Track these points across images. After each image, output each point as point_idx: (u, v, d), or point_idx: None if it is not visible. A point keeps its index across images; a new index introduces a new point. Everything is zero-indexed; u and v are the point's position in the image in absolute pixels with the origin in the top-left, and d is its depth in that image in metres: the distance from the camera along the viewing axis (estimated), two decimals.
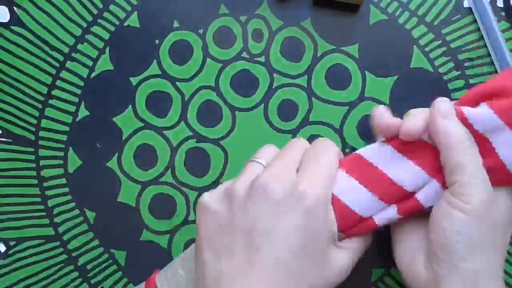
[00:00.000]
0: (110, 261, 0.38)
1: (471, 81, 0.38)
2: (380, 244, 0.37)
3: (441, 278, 0.27)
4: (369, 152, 0.30)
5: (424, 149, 0.29)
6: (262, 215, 0.27)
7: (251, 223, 0.27)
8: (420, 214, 0.30)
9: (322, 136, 0.38)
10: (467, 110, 0.28)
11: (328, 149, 0.30)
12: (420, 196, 0.29)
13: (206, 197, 0.29)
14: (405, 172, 0.29)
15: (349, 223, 0.29)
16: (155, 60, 0.39)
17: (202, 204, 0.29)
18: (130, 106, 0.38)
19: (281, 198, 0.27)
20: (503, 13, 0.38)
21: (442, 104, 0.28)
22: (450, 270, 0.26)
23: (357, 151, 0.31)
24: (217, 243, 0.27)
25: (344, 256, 0.29)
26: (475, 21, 0.38)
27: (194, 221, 0.38)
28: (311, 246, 0.27)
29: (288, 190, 0.27)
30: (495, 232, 0.27)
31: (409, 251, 0.30)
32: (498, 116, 0.28)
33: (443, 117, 0.28)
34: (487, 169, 0.28)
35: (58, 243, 0.38)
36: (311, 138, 0.38)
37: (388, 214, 0.30)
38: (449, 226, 0.26)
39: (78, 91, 0.39)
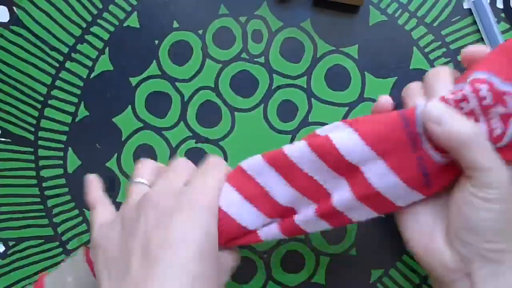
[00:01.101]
0: None
1: None
2: (379, 245, 0.37)
3: (465, 257, 0.27)
4: (250, 165, 0.30)
5: (301, 174, 0.29)
6: (155, 227, 0.27)
7: (147, 237, 0.26)
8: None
9: None
10: (338, 143, 0.28)
11: (215, 165, 0.30)
12: (300, 219, 0.29)
13: (96, 233, 0.29)
14: (282, 190, 0.29)
15: (233, 235, 0.29)
16: (154, 61, 0.39)
17: (93, 240, 0.29)
18: (130, 106, 0.38)
19: (171, 206, 0.27)
20: (502, 15, 0.38)
21: (432, 110, 0.27)
22: (475, 252, 0.26)
23: (240, 163, 0.30)
24: (115, 269, 0.27)
25: (232, 256, 0.29)
26: (474, 22, 0.38)
27: None
28: (208, 248, 0.27)
29: (177, 198, 0.27)
30: None
31: (425, 231, 0.29)
32: (371, 148, 0.27)
33: (438, 124, 0.26)
34: (362, 198, 0.28)
35: (57, 243, 0.38)
36: None
37: (271, 231, 0.29)
38: (473, 214, 0.26)
39: (78, 92, 0.39)
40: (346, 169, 0.28)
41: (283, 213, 0.29)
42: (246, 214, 0.29)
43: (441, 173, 0.27)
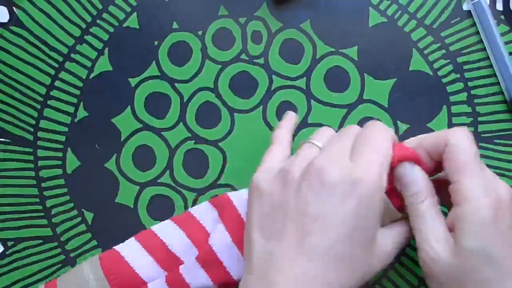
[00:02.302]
0: None
1: (470, 84, 0.38)
2: None
3: None
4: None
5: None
6: (315, 199, 0.26)
7: (304, 206, 0.26)
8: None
9: None
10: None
11: (379, 132, 0.29)
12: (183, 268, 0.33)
13: (260, 176, 0.29)
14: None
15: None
16: (154, 61, 0.39)
17: (255, 183, 0.29)
18: (129, 107, 0.38)
19: (336, 183, 0.26)
20: (502, 17, 0.38)
21: (404, 173, 0.29)
22: None
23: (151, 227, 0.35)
24: (268, 224, 0.27)
25: (389, 240, 0.29)
26: (474, 24, 0.38)
27: None
28: (362, 232, 0.26)
29: (344, 175, 0.26)
30: None
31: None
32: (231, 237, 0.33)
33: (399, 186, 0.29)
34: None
35: (56, 243, 0.38)
36: None
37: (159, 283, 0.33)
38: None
39: (77, 92, 0.39)
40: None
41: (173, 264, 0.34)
42: (145, 266, 0.33)
43: None
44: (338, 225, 0.26)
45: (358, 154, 0.28)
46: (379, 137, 0.29)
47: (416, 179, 0.28)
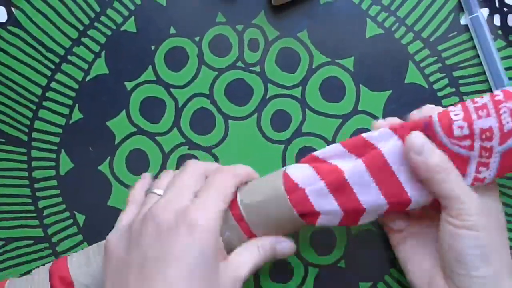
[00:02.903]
0: None
1: (465, 98, 0.38)
2: (368, 258, 0.37)
3: None
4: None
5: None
6: (152, 244, 0.27)
7: (144, 253, 0.27)
8: (425, 232, 0.32)
9: (315, 148, 0.38)
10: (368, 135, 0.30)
11: (223, 177, 0.30)
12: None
13: (109, 237, 0.30)
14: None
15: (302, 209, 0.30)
16: (150, 66, 0.39)
17: (105, 244, 0.30)
18: (124, 110, 0.39)
19: (171, 226, 0.27)
20: (499, 32, 0.38)
21: (414, 140, 0.29)
22: (470, 281, 0.28)
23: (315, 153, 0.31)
24: (116, 281, 0.28)
25: (239, 265, 0.29)
26: (471, 38, 0.38)
27: None
28: (202, 268, 0.27)
29: (178, 218, 0.27)
30: (498, 233, 0.29)
31: (426, 270, 0.31)
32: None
33: (417, 154, 0.28)
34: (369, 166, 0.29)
35: (47, 244, 0.38)
36: (303, 150, 0.38)
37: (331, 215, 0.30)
38: (459, 244, 0.28)
39: (73, 94, 0.39)
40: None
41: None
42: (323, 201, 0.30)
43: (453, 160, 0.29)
44: (178, 264, 0.26)
45: (199, 194, 0.29)
46: (224, 178, 0.30)
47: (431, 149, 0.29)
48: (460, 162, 0.29)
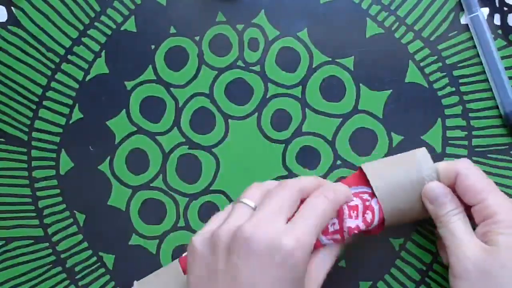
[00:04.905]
0: (98, 264, 0.38)
1: (465, 97, 0.38)
2: (367, 258, 0.37)
3: None
4: None
5: None
6: (244, 266, 0.27)
7: (235, 274, 0.27)
8: None
9: (314, 147, 0.38)
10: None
11: (326, 198, 0.30)
12: None
13: (195, 238, 0.30)
14: None
15: None
16: (150, 65, 0.39)
17: (190, 244, 0.30)
18: (124, 110, 0.39)
19: (263, 253, 0.27)
20: (499, 31, 0.38)
21: (430, 190, 0.31)
22: None
23: None
24: (202, 285, 0.28)
25: (315, 279, 0.30)
26: (471, 38, 0.38)
27: (183, 227, 0.38)
28: None
29: (271, 243, 0.27)
30: None
31: None
32: None
33: (430, 202, 0.31)
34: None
35: (47, 244, 0.38)
36: (303, 149, 0.38)
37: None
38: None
39: (73, 94, 0.39)
40: None
41: None
42: None
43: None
44: None
45: (296, 218, 0.29)
46: (322, 205, 0.30)
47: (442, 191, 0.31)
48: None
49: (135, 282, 0.35)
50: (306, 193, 0.30)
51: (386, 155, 0.37)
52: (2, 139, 0.39)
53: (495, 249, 0.28)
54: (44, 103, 0.39)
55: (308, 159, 0.38)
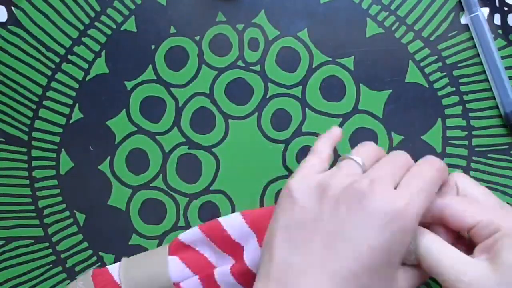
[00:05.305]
0: (99, 264, 0.38)
1: (466, 97, 0.38)
2: None
3: None
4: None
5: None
6: (352, 223, 0.26)
7: (339, 227, 0.26)
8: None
9: None
10: (223, 220, 0.34)
11: (433, 166, 0.29)
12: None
13: (295, 185, 0.28)
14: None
15: None
16: (150, 65, 0.39)
17: (289, 190, 0.28)
18: (124, 110, 0.39)
19: (376, 211, 0.26)
20: (500, 31, 0.38)
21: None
22: None
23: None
24: (295, 235, 0.27)
25: (408, 278, 0.28)
26: (471, 37, 0.38)
27: (183, 227, 0.38)
28: (387, 267, 0.26)
29: (385, 205, 0.26)
30: None
31: None
32: (249, 226, 0.33)
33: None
34: (235, 274, 0.32)
35: (47, 244, 0.38)
36: (303, 149, 0.38)
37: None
38: None
39: (73, 93, 0.39)
40: (231, 247, 0.34)
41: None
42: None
43: None
44: (369, 255, 0.25)
45: (406, 184, 0.28)
46: (430, 170, 0.28)
47: None
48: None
49: (123, 258, 0.35)
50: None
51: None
52: (2, 139, 0.39)
53: (499, 268, 0.26)
54: (44, 103, 0.39)
55: None
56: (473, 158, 0.37)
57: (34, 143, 0.39)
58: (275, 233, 0.28)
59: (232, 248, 0.34)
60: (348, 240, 0.26)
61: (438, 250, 0.27)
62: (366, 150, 0.31)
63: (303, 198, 0.28)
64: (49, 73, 0.39)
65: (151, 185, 0.38)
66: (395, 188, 0.27)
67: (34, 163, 0.38)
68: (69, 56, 0.39)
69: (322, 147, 0.32)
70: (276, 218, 0.28)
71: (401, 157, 0.30)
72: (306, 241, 0.27)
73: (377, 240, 0.25)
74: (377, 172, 0.28)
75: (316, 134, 0.38)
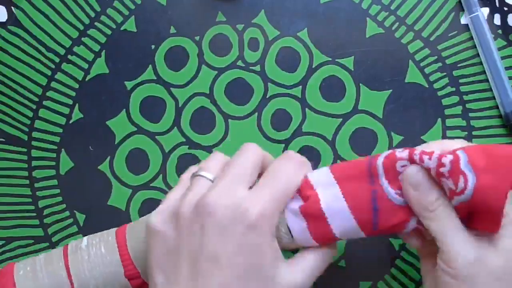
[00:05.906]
0: None
1: (465, 97, 0.38)
2: (368, 258, 0.37)
3: None
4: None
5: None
6: (208, 239, 0.26)
7: (198, 247, 0.26)
8: None
9: (314, 147, 0.38)
10: (310, 176, 0.29)
11: (289, 162, 0.29)
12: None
13: (153, 218, 0.28)
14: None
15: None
16: (150, 65, 0.39)
17: (149, 226, 0.28)
18: (124, 110, 0.39)
19: (226, 222, 0.26)
20: (499, 31, 0.38)
21: (412, 175, 0.27)
22: None
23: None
24: (166, 265, 0.27)
25: (297, 275, 0.28)
26: (471, 38, 0.38)
27: None
28: (257, 266, 0.26)
29: (234, 212, 0.26)
30: None
31: None
32: (332, 173, 0.28)
33: (414, 189, 0.27)
34: (306, 215, 0.28)
35: (47, 244, 0.38)
36: (303, 149, 0.38)
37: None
38: None
39: (73, 93, 0.39)
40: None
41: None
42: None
43: (391, 211, 0.27)
44: (231, 263, 0.26)
45: (258, 185, 0.28)
46: (285, 167, 0.28)
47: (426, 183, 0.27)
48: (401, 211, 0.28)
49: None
50: (268, 157, 0.30)
51: None
52: (2, 139, 0.39)
53: (503, 253, 0.26)
54: (44, 103, 0.39)
55: (308, 159, 0.37)
56: None
57: (34, 143, 0.39)
58: (150, 266, 0.28)
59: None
60: (210, 258, 0.26)
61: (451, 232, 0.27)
62: (214, 161, 0.30)
63: (162, 228, 0.28)
64: (49, 73, 0.39)
65: (151, 185, 0.38)
66: (251, 187, 0.28)
67: (34, 163, 0.39)
68: (69, 56, 0.39)
69: (186, 178, 0.31)
70: (148, 254, 0.29)
71: (246, 154, 0.29)
72: (175, 268, 0.27)
73: (234, 249, 0.26)
74: (220, 180, 0.28)
75: (316, 134, 0.38)
